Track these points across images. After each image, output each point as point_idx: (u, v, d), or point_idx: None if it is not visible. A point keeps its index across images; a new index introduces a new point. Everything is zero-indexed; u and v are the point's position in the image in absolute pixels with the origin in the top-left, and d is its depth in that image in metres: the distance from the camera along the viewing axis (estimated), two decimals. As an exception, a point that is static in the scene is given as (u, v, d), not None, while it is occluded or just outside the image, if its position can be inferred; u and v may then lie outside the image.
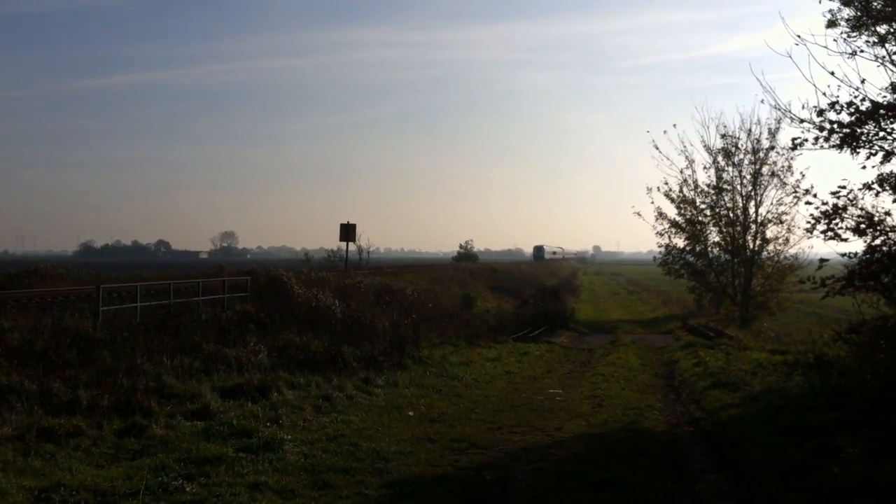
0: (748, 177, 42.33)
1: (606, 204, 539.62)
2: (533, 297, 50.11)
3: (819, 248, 23.15)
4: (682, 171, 43.73)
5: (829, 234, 15.52)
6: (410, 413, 15.21)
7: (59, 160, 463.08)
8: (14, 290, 26.40)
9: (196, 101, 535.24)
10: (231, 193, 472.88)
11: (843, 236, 15.35)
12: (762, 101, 33.45)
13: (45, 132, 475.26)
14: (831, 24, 16.58)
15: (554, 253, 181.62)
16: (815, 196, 15.92)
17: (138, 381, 14.38)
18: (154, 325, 19.65)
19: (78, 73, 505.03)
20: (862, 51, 16.03)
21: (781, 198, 41.77)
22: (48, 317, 18.95)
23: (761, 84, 19.35)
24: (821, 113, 15.63)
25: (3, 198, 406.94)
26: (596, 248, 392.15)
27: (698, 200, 43.87)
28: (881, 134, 15.30)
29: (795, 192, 37.73)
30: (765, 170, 41.98)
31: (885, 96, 15.26)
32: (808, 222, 15.99)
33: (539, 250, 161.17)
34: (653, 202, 45.80)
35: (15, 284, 30.77)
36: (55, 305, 22.29)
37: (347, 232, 44.16)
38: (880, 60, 15.91)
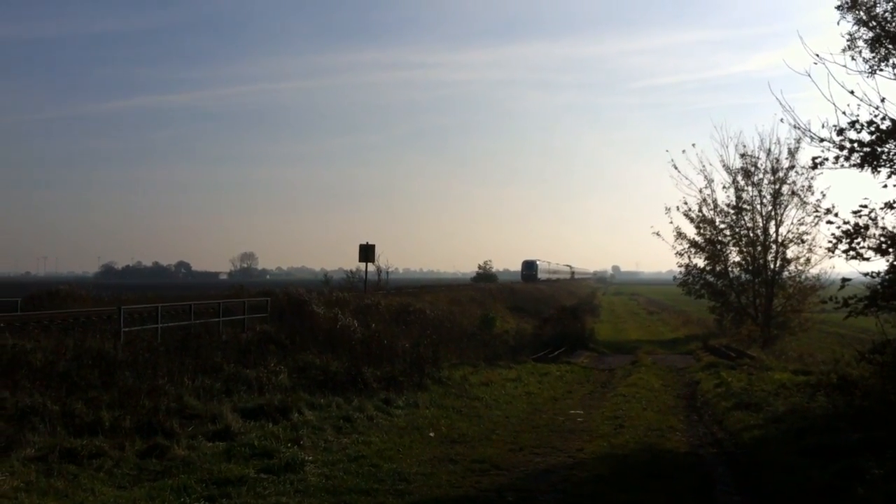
0: (768, 196, 42.15)
1: (625, 224, 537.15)
2: (552, 317, 49.86)
3: (841, 267, 23.03)
4: (701, 191, 43.58)
5: (851, 253, 15.46)
6: (431, 434, 15.19)
7: (79, 182, 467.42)
8: (36, 312, 26.60)
9: (213, 122, 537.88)
10: (250, 215, 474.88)
11: (866, 256, 15.29)
12: (781, 121, 33.30)
13: (63, 154, 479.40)
14: (850, 47, 16.61)
15: (572, 273, 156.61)
16: (836, 215, 15.87)
17: (160, 401, 14.43)
18: (175, 345, 19.71)
19: (94, 96, 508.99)
20: (881, 69, 16.02)
21: (802, 217, 41.55)
22: (70, 338, 19.04)
23: (781, 103, 19.40)
24: (841, 132, 15.61)
25: (25, 220, 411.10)
26: (615, 268, 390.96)
27: (718, 220, 43.70)
28: (902, 153, 15.25)
29: (816, 211, 37.38)
30: (785, 189, 41.81)
31: (905, 115, 15.22)
32: (830, 242, 15.95)
33: (530, 267, 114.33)
34: (672, 222, 45.60)
35: (37, 306, 30.99)
36: (77, 326, 22.41)
37: (367, 252, 44.30)
38: (900, 79, 15.90)
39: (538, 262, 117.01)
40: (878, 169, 15.37)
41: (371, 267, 46.30)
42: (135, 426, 13.05)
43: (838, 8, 16.96)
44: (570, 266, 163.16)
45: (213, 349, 19.87)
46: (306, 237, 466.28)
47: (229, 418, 14.16)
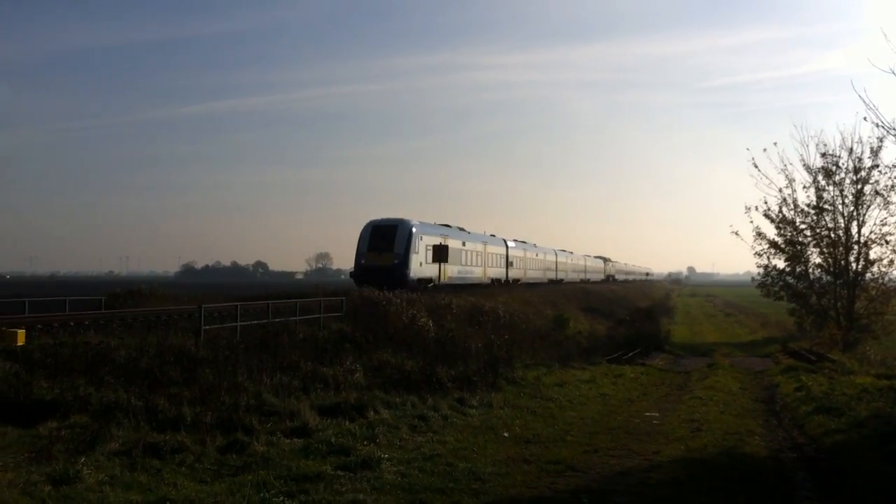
0: (850, 196, 41.12)
1: (701, 225, 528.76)
2: (627, 318, 49.52)
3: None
4: (780, 191, 42.74)
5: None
6: (505, 434, 15.18)
7: (163, 184, 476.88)
8: (120, 310, 27.37)
9: (289, 126, 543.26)
10: (325, 215, 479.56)
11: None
12: (864, 119, 32.41)
13: (148, 157, 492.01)
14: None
15: (610, 273, 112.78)
16: (922, 216, 15.46)
17: (239, 398, 14.69)
18: (254, 343, 20.04)
19: (176, 100, 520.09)
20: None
21: (885, 218, 40.46)
22: (153, 335, 19.55)
23: (863, 101, 19.00)
24: (928, 130, 15.18)
25: (110, 220, 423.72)
26: (690, 269, 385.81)
27: (798, 220, 42.84)
28: None
29: (901, 211, 36.54)
30: (867, 189, 40.72)
31: None
32: (916, 243, 15.52)
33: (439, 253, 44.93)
34: (752, 221, 44.71)
35: (120, 304, 31.89)
36: (159, 324, 22.99)
37: (440, 253, 44.43)
38: None
39: (412, 226, 43.14)
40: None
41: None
42: (215, 422, 13.30)
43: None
44: (604, 258, 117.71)
45: (291, 347, 20.17)
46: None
47: (307, 415, 14.33)
